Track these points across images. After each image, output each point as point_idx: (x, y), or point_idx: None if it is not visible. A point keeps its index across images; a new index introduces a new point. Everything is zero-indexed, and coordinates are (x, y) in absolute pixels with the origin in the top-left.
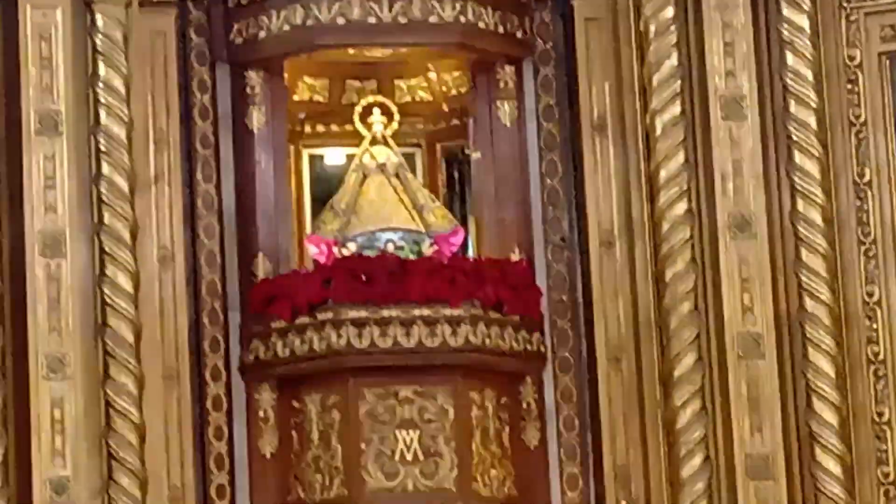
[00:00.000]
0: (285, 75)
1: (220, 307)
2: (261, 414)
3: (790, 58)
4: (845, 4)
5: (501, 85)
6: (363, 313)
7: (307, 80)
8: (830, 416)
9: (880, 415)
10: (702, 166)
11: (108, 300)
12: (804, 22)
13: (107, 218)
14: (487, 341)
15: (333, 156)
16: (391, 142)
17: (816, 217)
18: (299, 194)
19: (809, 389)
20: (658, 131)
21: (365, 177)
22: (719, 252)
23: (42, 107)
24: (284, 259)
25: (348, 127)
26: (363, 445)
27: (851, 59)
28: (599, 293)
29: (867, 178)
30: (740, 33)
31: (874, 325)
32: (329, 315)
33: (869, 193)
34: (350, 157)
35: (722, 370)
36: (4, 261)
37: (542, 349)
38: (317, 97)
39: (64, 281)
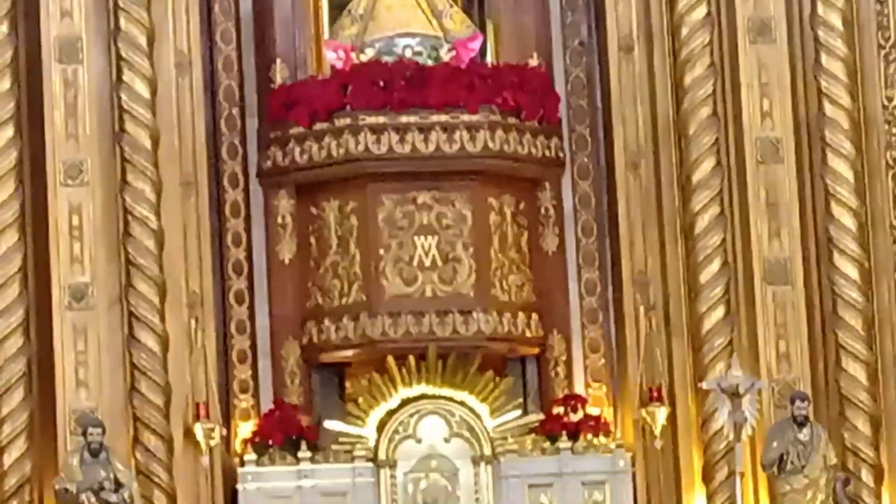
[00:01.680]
0: None
1: (238, 113)
2: (279, 220)
3: None
4: None
5: None
6: (381, 119)
7: None
8: (849, 221)
9: None
10: None
11: (125, 106)
12: None
13: (123, 23)
14: (506, 147)
15: None
16: None
17: (836, 21)
18: (316, 0)
19: (828, 194)
20: None
21: None
22: (739, 57)
23: None
24: (302, 65)
25: None
26: (381, 251)
27: None
28: (618, 98)
29: None
30: None
31: (893, 130)
32: (347, 121)
33: None
34: None
35: (741, 175)
36: (21, 68)
37: (561, 155)
38: None
39: (81, 87)
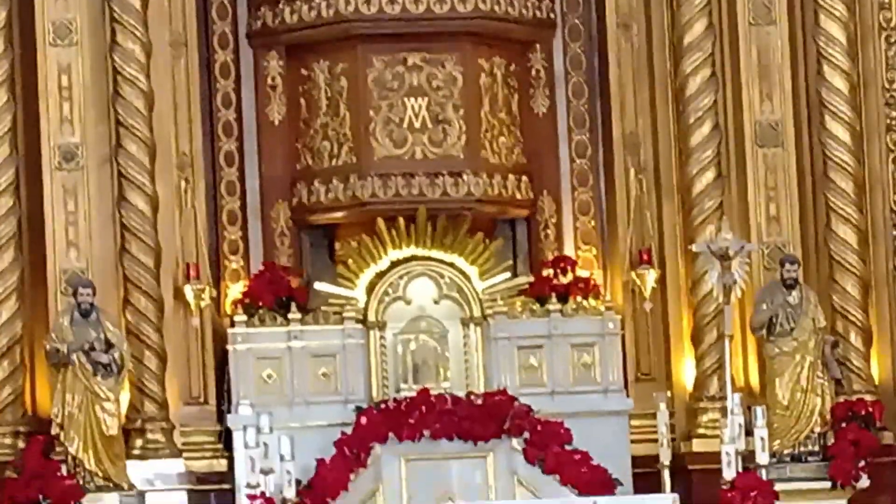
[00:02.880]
0: None
1: None
2: (269, 81)
3: None
4: None
5: None
6: None
7: None
8: (841, 83)
9: (891, 82)
10: None
11: None
12: None
13: None
14: (497, 8)
15: None
16: None
17: None
18: None
19: (820, 56)
20: None
21: None
22: None
23: None
24: None
25: None
26: (371, 113)
27: None
28: None
29: None
30: None
31: None
32: None
33: None
34: None
35: (733, 37)
36: None
37: (552, 16)
38: None
39: None
